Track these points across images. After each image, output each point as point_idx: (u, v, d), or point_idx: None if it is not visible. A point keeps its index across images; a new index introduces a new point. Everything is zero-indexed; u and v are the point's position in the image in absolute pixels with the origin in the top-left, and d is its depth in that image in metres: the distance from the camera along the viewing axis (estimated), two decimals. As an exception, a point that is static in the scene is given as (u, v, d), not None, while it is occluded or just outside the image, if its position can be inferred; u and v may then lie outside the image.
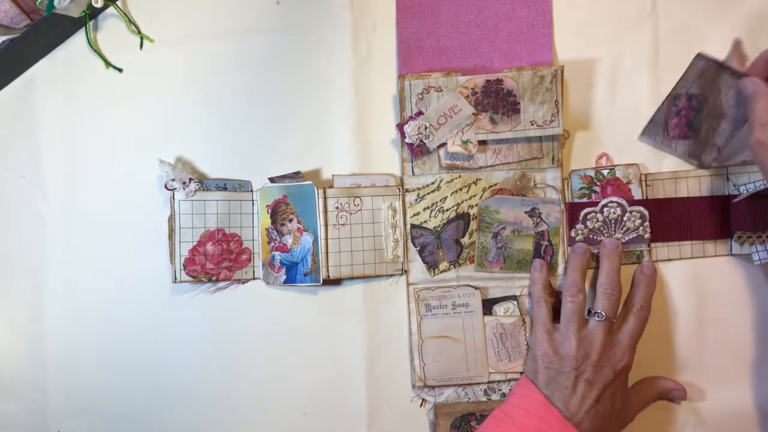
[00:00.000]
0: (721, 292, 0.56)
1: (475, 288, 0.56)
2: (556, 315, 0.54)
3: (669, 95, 0.55)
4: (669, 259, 0.56)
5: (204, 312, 0.58)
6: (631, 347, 0.51)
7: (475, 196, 0.57)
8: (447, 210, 0.57)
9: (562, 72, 0.55)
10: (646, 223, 0.56)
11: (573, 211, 0.56)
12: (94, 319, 0.59)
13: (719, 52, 0.56)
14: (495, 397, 0.57)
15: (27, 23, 0.58)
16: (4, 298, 0.60)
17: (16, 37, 0.57)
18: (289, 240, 0.57)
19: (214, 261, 0.57)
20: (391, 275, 0.58)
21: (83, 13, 0.58)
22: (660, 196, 0.56)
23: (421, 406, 0.58)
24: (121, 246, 0.59)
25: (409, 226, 0.57)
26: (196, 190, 0.56)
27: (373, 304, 0.58)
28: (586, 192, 0.56)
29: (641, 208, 0.55)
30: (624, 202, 0.55)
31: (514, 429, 0.49)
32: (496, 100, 0.55)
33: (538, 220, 0.56)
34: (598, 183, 0.56)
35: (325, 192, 0.56)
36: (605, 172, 0.56)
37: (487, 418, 0.52)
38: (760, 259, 0.54)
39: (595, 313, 0.51)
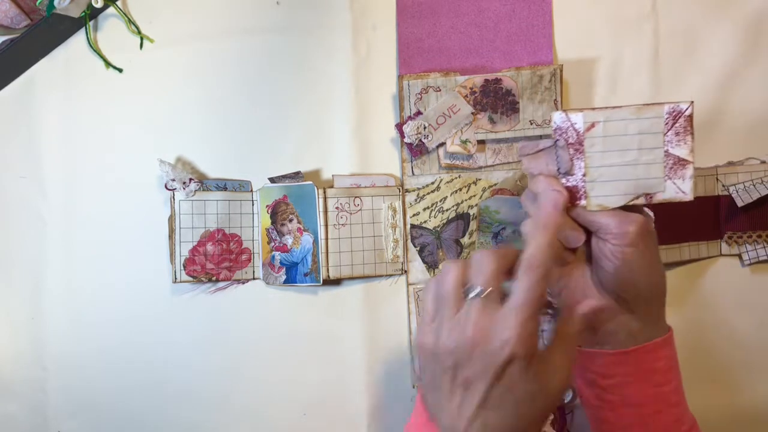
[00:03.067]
0: (712, 292, 0.56)
1: (475, 288, 0.56)
2: None
3: None
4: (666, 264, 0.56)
5: (204, 312, 0.58)
6: (521, 325, 0.35)
7: (474, 196, 0.57)
8: (447, 210, 0.57)
9: (561, 71, 0.55)
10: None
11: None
12: (94, 319, 0.59)
13: (719, 52, 0.56)
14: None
15: (27, 23, 0.58)
16: (4, 298, 0.60)
17: (16, 37, 0.57)
18: (289, 240, 0.57)
19: (214, 261, 0.57)
20: (391, 275, 0.58)
21: (83, 13, 0.58)
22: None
23: (421, 406, 0.58)
24: (121, 246, 0.59)
25: (409, 226, 0.57)
26: (196, 190, 0.56)
27: (373, 304, 0.58)
28: None
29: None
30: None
31: None
32: (495, 100, 0.55)
33: (538, 220, 0.56)
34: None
35: (325, 192, 0.56)
36: None
37: None
38: (749, 259, 0.55)
39: (466, 290, 0.38)
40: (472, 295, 0.37)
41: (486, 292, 0.37)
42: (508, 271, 0.38)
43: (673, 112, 0.41)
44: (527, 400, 0.36)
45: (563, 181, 0.42)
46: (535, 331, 0.36)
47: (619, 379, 0.43)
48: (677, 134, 0.41)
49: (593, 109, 0.41)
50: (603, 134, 0.41)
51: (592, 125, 0.41)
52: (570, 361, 0.38)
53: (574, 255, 0.43)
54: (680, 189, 0.41)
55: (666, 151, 0.41)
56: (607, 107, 0.41)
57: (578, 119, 0.41)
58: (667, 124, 0.41)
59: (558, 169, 0.42)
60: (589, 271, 0.44)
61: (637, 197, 0.41)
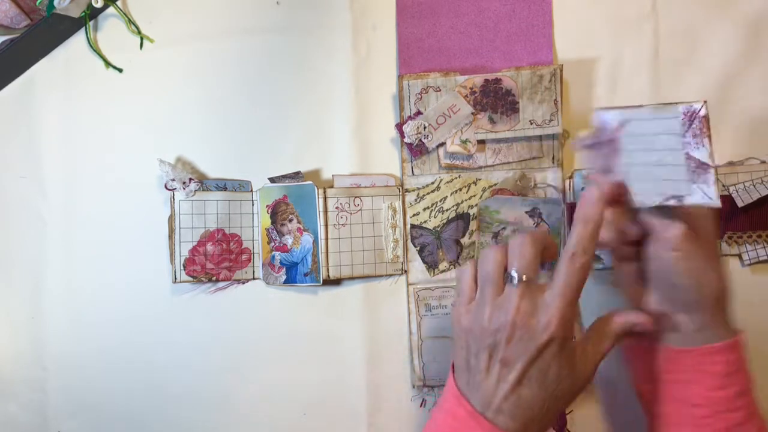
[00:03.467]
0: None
1: (475, 288, 0.56)
2: None
3: None
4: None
5: (204, 312, 0.58)
6: (561, 309, 0.38)
7: (474, 196, 0.57)
8: (447, 210, 0.57)
9: (561, 71, 0.55)
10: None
11: (574, 211, 0.56)
12: (94, 319, 0.59)
13: (719, 52, 0.56)
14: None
15: (27, 23, 0.58)
16: (4, 298, 0.60)
17: (16, 37, 0.57)
18: (289, 240, 0.57)
19: (214, 261, 0.57)
20: (391, 275, 0.58)
21: (83, 13, 0.58)
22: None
23: (421, 406, 0.57)
24: (121, 246, 0.59)
25: (409, 226, 0.57)
26: (196, 190, 0.56)
27: (373, 304, 0.58)
28: None
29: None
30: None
31: (434, 428, 0.41)
32: (495, 100, 0.55)
33: (539, 220, 0.56)
34: None
35: (325, 192, 0.56)
36: None
37: None
38: (749, 259, 0.54)
39: (508, 275, 0.40)
40: (515, 281, 0.39)
41: (527, 278, 0.39)
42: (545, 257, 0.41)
43: (688, 112, 0.41)
44: (557, 381, 0.39)
45: (611, 177, 0.43)
46: (573, 316, 0.39)
47: (675, 377, 0.44)
48: (695, 136, 0.41)
49: (624, 107, 0.42)
50: (631, 133, 0.42)
51: (623, 124, 0.42)
52: (600, 354, 0.41)
53: (632, 250, 0.45)
54: (706, 194, 0.41)
55: (687, 154, 0.41)
56: (631, 106, 0.42)
57: (610, 118, 0.42)
58: (684, 125, 0.41)
59: (601, 165, 0.44)
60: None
61: (668, 198, 0.42)
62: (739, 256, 0.55)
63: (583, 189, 0.56)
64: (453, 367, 0.43)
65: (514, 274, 0.40)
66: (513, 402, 0.39)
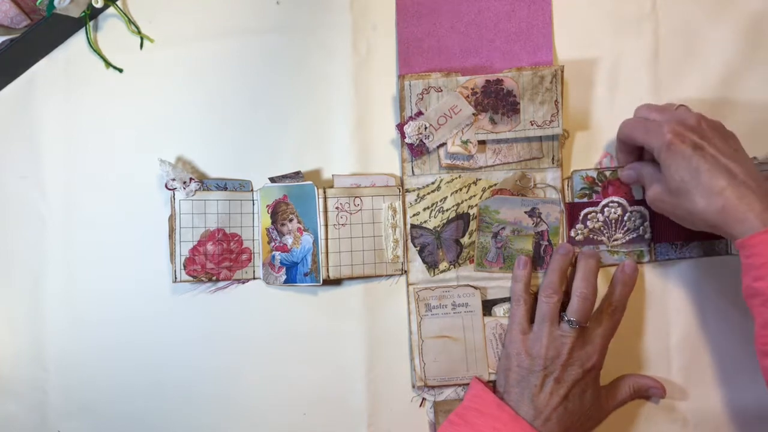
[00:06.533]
0: (714, 290, 0.56)
1: (475, 288, 0.56)
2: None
3: None
4: (668, 259, 0.56)
5: (204, 312, 0.58)
6: (602, 347, 0.52)
7: (475, 196, 0.57)
8: (447, 210, 0.57)
9: (562, 72, 0.55)
10: (647, 223, 0.56)
11: (573, 211, 0.56)
12: (94, 319, 0.59)
13: (719, 52, 0.56)
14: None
15: (27, 23, 0.58)
16: (4, 298, 0.60)
17: (16, 37, 0.57)
18: (289, 240, 0.57)
19: (215, 261, 0.57)
20: (391, 275, 0.58)
21: (83, 13, 0.58)
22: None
23: (420, 405, 0.58)
24: (121, 246, 0.59)
25: (409, 226, 0.57)
26: (196, 190, 0.56)
27: (373, 304, 0.58)
28: (587, 192, 0.56)
29: (642, 208, 0.55)
30: (624, 202, 0.55)
31: (470, 430, 0.50)
32: (496, 100, 0.55)
33: (538, 220, 0.56)
34: (600, 183, 0.56)
35: (325, 192, 0.56)
36: (607, 173, 0.56)
37: (444, 422, 0.53)
38: None
39: (568, 320, 0.51)
40: (574, 325, 0.51)
41: (581, 326, 0.51)
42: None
43: None
44: (591, 401, 0.52)
45: None
46: (606, 351, 0.53)
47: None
48: None
49: None
50: None
51: None
52: (615, 400, 0.54)
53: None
54: None
55: None
56: None
57: None
58: None
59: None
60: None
61: None
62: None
63: (581, 189, 0.56)
64: (503, 377, 0.54)
65: (573, 318, 0.51)
66: (560, 411, 0.50)
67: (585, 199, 0.56)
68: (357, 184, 0.57)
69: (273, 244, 0.57)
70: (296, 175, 0.57)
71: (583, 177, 0.56)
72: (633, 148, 0.54)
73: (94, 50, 0.59)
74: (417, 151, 0.56)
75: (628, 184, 0.56)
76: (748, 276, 0.45)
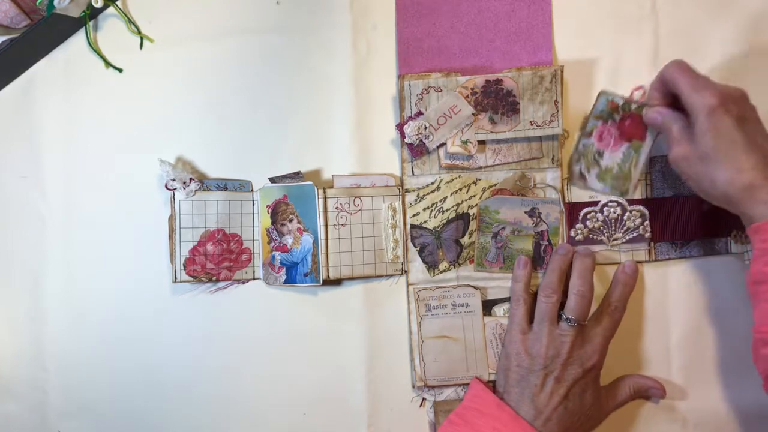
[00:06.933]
0: (715, 290, 0.56)
1: (475, 288, 0.56)
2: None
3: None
4: (668, 258, 0.56)
5: (204, 312, 0.58)
6: (602, 346, 0.52)
7: (474, 196, 0.57)
8: (447, 210, 0.57)
9: (562, 72, 0.55)
10: (647, 223, 0.56)
11: (572, 211, 0.56)
12: (95, 319, 0.59)
13: (719, 52, 0.56)
14: (495, 397, 0.57)
15: (27, 23, 0.58)
16: (4, 298, 0.60)
17: (16, 37, 0.57)
18: (289, 240, 0.57)
19: (215, 261, 0.57)
20: (391, 275, 0.58)
21: (83, 13, 0.58)
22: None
23: (420, 405, 0.58)
24: (121, 246, 0.59)
25: (408, 226, 0.57)
26: (196, 190, 0.56)
27: (373, 304, 0.58)
28: (603, 117, 0.55)
29: (641, 207, 0.55)
30: (624, 202, 0.55)
31: (470, 431, 0.51)
32: (496, 100, 0.55)
33: (538, 220, 0.56)
34: (621, 113, 0.55)
35: (325, 192, 0.56)
36: (633, 105, 0.54)
37: (444, 422, 0.53)
38: (750, 258, 0.54)
39: (567, 319, 0.52)
40: (572, 323, 0.51)
41: (580, 324, 0.52)
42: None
43: None
44: (591, 401, 0.52)
45: None
46: (606, 351, 0.52)
47: None
48: None
49: None
50: None
51: None
52: (615, 400, 0.54)
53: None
54: None
55: None
56: None
57: None
58: None
59: None
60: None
61: None
62: (744, 254, 0.55)
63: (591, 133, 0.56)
64: (503, 377, 0.54)
65: (572, 316, 0.51)
66: (561, 411, 0.50)
67: (599, 122, 0.55)
68: (357, 185, 0.57)
69: (273, 244, 0.57)
70: (296, 176, 0.57)
71: (608, 100, 0.55)
72: (668, 92, 0.51)
73: (94, 50, 0.59)
74: (417, 151, 0.56)
75: (650, 125, 0.54)
76: (760, 261, 0.45)
